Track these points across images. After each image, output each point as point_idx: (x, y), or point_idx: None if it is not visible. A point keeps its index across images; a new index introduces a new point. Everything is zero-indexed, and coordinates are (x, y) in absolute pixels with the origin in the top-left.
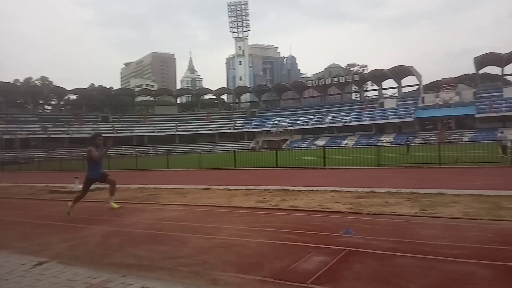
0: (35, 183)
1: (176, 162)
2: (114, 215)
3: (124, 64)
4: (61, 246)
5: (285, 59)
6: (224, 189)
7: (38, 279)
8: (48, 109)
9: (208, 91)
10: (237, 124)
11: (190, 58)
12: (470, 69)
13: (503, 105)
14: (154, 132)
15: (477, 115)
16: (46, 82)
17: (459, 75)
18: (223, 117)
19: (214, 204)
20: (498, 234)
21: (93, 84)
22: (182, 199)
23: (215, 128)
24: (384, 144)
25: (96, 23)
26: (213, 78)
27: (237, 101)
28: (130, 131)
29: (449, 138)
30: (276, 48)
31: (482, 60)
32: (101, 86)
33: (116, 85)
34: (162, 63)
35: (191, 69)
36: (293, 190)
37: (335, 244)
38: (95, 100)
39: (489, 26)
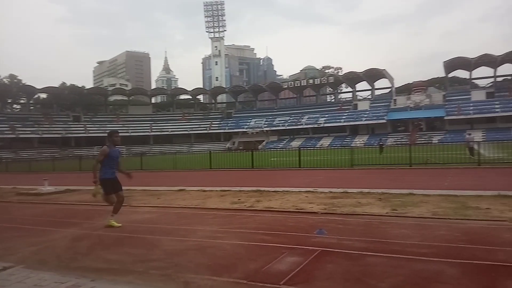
0: (1, 185)
1: (150, 163)
2: (84, 217)
3: (97, 63)
4: (27, 250)
5: (262, 60)
6: (199, 190)
7: (3, 285)
8: (17, 108)
9: (184, 91)
10: (213, 125)
11: (165, 57)
12: (440, 72)
13: (471, 107)
14: (127, 132)
15: (446, 118)
16: (15, 81)
17: (429, 78)
18: (199, 118)
19: (188, 206)
20: (465, 233)
21: (64, 82)
22: (156, 201)
23: (190, 129)
24: (358, 145)
25: (68, 20)
26: (189, 78)
27: (213, 101)
28: (102, 131)
29: (420, 139)
30: (253, 49)
31: (451, 64)
32: (72, 85)
33: (89, 84)
34: (137, 62)
35: (166, 69)
36: (268, 191)
37: (308, 245)
38: (67, 99)
39: (458, 31)
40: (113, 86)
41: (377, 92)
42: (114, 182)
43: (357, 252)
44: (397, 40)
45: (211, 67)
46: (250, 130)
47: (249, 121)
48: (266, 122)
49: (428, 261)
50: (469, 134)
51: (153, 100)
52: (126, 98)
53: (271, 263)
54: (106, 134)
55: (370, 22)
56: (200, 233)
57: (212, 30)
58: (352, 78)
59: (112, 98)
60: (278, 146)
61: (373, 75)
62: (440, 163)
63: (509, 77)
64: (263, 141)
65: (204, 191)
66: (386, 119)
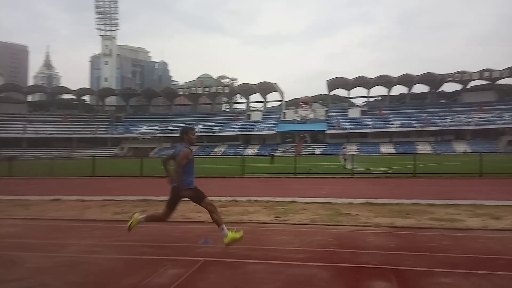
0: None
1: (22, 168)
2: None
3: None
4: None
5: (157, 64)
6: (77, 200)
7: None
8: None
9: (67, 91)
10: (99, 129)
11: (48, 52)
12: (324, 90)
13: (348, 123)
14: None
15: (327, 131)
16: None
17: (314, 94)
18: (84, 120)
19: (63, 218)
20: (336, 238)
21: None
22: (23, 212)
23: (73, 132)
24: (250, 154)
25: None
26: (74, 77)
27: (101, 103)
28: None
29: (304, 150)
30: (147, 52)
31: (333, 83)
32: None
33: None
34: (12, 55)
35: (48, 65)
36: (156, 200)
37: (192, 255)
38: None
39: (340, 53)
40: None
41: (268, 105)
42: (194, 190)
43: (240, 260)
44: (288, 57)
45: (100, 66)
46: (142, 135)
47: (140, 126)
48: (159, 128)
49: (304, 266)
50: (344, 147)
51: (29, 98)
52: None
53: (150, 277)
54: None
55: (264, 37)
56: (73, 247)
57: (103, 28)
58: (247, 90)
59: None
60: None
61: (265, 88)
62: (320, 173)
63: (379, 98)
64: (155, 147)
65: (83, 200)
66: (276, 131)
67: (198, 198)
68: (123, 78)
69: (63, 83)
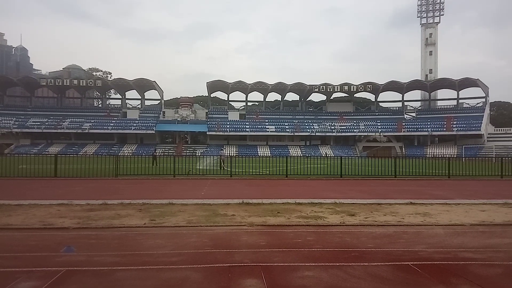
0: None
1: None
2: None
3: None
4: None
5: (14, 49)
6: None
7: None
8: None
9: None
10: None
11: None
12: (205, 91)
13: (228, 126)
14: None
15: (208, 133)
16: None
17: (195, 95)
18: None
19: None
20: (212, 239)
21: None
22: None
23: None
24: (126, 154)
25: None
26: None
27: None
28: None
29: (185, 151)
30: (2, 34)
31: (213, 85)
32: None
33: None
34: None
35: None
36: (10, 204)
37: (51, 265)
38: None
39: (220, 57)
40: None
41: (147, 103)
42: None
43: (107, 268)
44: (167, 55)
45: None
46: None
47: None
48: (17, 123)
49: (176, 269)
50: (222, 149)
51: None
52: None
53: None
54: None
55: (142, 32)
56: None
57: None
58: (122, 85)
59: None
60: (32, 151)
61: (143, 85)
62: (201, 174)
63: (256, 103)
64: (12, 144)
65: None
66: (155, 130)
67: None
68: None
69: None
